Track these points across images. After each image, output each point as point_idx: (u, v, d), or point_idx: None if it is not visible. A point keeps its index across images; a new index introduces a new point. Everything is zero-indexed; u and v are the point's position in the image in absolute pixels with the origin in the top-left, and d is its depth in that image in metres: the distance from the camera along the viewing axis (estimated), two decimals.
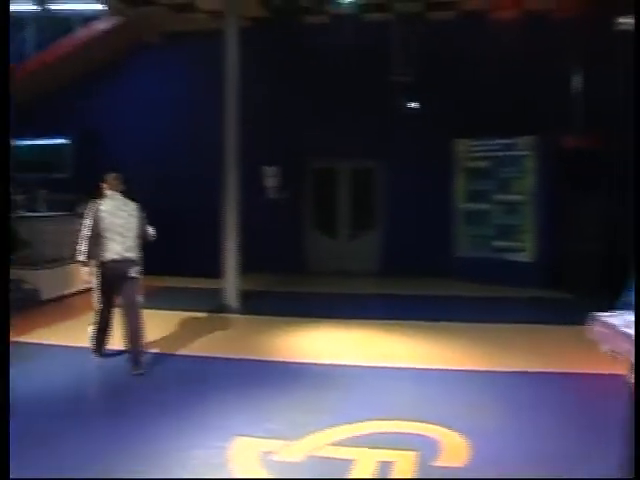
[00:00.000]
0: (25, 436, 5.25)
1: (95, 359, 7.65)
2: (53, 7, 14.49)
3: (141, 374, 7.04)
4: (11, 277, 10.99)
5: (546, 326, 9.07)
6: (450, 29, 13.66)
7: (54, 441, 5.25)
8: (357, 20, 14.01)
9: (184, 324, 9.63)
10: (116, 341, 7.65)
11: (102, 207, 7.27)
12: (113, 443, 5.15)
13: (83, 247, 7.23)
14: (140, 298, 7.49)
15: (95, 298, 7.55)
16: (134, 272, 7.33)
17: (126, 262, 7.24)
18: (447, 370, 7.14)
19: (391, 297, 12.11)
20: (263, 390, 6.42)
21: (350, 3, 12.02)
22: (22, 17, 15.14)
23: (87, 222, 7.25)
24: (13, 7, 14.59)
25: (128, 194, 7.66)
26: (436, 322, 9.42)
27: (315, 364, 7.38)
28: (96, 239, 7.15)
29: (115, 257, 7.18)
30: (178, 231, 14.61)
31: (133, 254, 7.32)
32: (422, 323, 9.38)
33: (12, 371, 7.14)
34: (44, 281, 11.24)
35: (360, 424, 5.39)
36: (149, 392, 6.57)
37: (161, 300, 11.45)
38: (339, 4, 12.03)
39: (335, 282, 13.46)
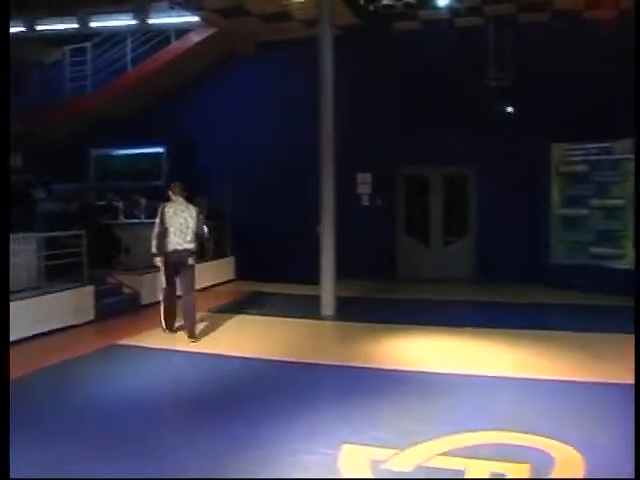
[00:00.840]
0: (137, 436, 5.44)
1: (202, 363, 7.89)
2: (151, 21, 14.94)
3: (194, 342, 8.74)
4: (112, 281, 11.45)
5: None
6: (544, 30, 13.39)
7: (165, 442, 5.39)
8: (449, 25, 13.94)
9: (284, 330, 9.77)
10: None
11: (167, 209, 9.06)
12: (223, 444, 5.25)
13: (154, 241, 8.98)
14: (194, 281, 9.21)
15: (162, 279, 9.25)
16: (191, 260, 9.03)
17: (185, 252, 8.96)
18: (550, 380, 6.95)
19: (485, 304, 11.92)
20: (367, 397, 6.39)
21: (445, 8, 11.89)
22: (121, 32, 15.69)
23: (157, 221, 9.07)
24: (114, 22, 15.33)
25: (189, 199, 9.52)
26: (533, 330, 9.21)
27: (417, 371, 7.30)
28: (163, 234, 8.91)
29: (177, 248, 8.92)
30: (274, 238, 14.88)
31: (191, 246, 9.01)
32: (518, 331, 9.15)
33: (116, 373, 7.54)
34: (144, 286, 11.56)
35: (470, 434, 5.29)
36: (254, 396, 6.67)
37: (260, 306, 11.69)
38: (435, 8, 11.92)
39: (428, 289, 13.34)
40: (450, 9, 12.94)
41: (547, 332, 9.13)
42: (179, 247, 8.91)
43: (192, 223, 9.00)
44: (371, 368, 7.49)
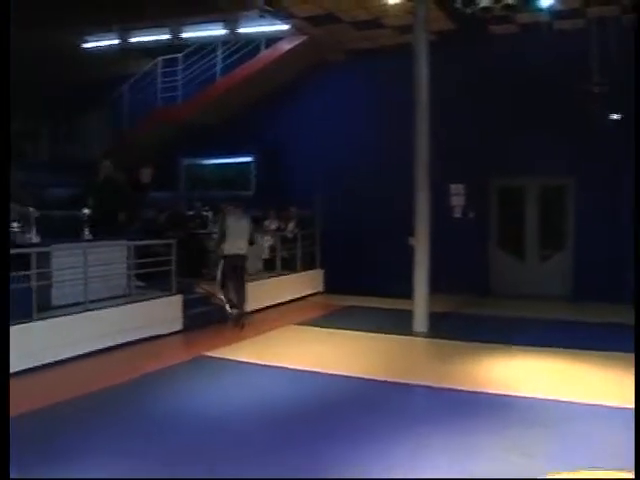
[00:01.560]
0: (224, 453, 5.22)
1: (292, 379, 7.63)
2: (241, 30, 14.90)
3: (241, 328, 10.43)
4: (200, 291, 11.35)
5: None
6: None
7: (257, 458, 5.15)
8: (548, 28, 13.32)
9: (376, 346, 9.42)
10: None
11: (227, 219, 10.73)
12: (317, 462, 5.02)
13: (217, 245, 10.89)
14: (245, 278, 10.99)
15: (219, 275, 10.90)
16: (244, 262, 10.87)
17: (239, 256, 10.74)
18: None
19: (586, 324, 11.13)
20: (465, 423, 5.94)
21: (546, 9, 11.28)
22: (211, 42, 15.73)
23: (218, 229, 10.95)
24: (204, 33, 15.39)
25: (244, 211, 11.24)
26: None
27: (518, 396, 6.78)
28: (222, 239, 10.64)
29: (236, 252, 10.64)
30: (363, 250, 14.57)
31: (244, 251, 10.80)
32: (622, 355, 8.09)
33: (204, 387, 7.36)
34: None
35: (583, 472, 4.77)
36: (348, 416, 6.33)
37: (350, 320, 11.37)
38: (536, 10, 11.32)
39: (523, 305, 12.69)
40: (550, 11, 12.32)
41: None
42: (236, 251, 10.63)
43: (246, 231, 10.79)
44: (469, 391, 7.01)
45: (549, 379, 7.51)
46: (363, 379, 7.56)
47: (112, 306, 9.10)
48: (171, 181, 16.69)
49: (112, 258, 9.59)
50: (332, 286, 14.52)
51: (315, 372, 7.81)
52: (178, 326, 10.13)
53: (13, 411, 5.70)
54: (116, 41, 16.10)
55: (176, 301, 10.18)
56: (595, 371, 7.84)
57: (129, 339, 9.11)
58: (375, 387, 7.33)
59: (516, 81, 13.55)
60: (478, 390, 7.03)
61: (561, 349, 8.83)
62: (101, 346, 8.65)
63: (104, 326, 8.76)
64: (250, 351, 8.93)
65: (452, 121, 13.46)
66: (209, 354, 8.73)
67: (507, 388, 7.07)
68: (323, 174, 14.85)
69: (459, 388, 7.13)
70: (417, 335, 10.13)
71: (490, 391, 6.99)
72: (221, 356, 8.64)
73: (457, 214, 14.54)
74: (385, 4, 12.07)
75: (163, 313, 9.88)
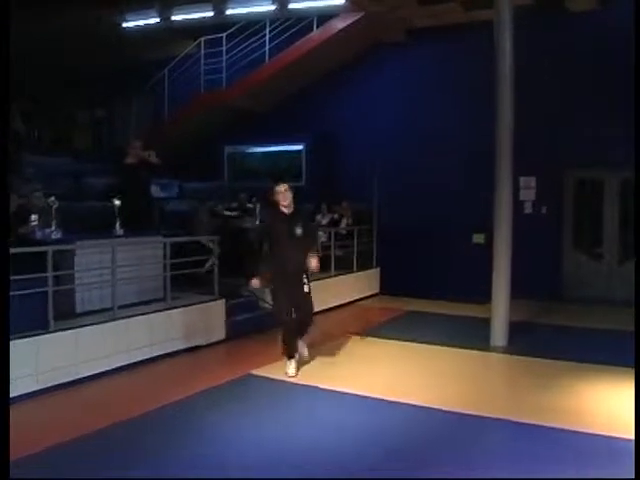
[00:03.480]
0: None
1: (353, 407, 6.37)
2: (291, 6, 13.64)
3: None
4: (247, 294, 10.14)
5: None
6: None
7: None
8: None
9: (449, 364, 8.12)
10: None
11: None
12: None
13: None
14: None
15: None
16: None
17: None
18: None
19: None
20: (572, 472, 4.66)
21: None
22: (259, 19, 14.50)
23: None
24: (251, 9, 14.13)
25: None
26: None
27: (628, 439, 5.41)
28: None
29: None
30: (425, 248, 13.35)
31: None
32: None
33: (253, 417, 6.12)
34: None
35: None
36: (418, 458, 5.09)
37: (414, 329, 10.12)
38: None
39: (605, 313, 11.31)
40: None
41: None
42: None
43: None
44: (571, 431, 5.59)
45: None
46: (436, 410, 6.24)
47: (144, 313, 7.94)
48: (215, 170, 15.59)
49: (146, 256, 8.45)
50: (390, 287, 13.27)
51: (390, 402, 6.47)
52: (221, 335, 8.97)
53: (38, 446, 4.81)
54: (157, 19, 14.98)
55: (219, 306, 8.99)
56: None
57: (163, 352, 8.00)
58: (451, 421, 6.00)
59: (598, 63, 12.14)
60: (582, 430, 5.60)
61: None
62: (129, 361, 7.51)
63: (132, 337, 7.61)
64: (307, 371, 7.67)
65: (526, 107, 11.97)
66: (257, 372, 7.51)
67: (615, 428, 5.62)
68: (380, 165, 13.54)
69: (557, 427, 5.67)
70: (496, 350, 8.78)
71: (596, 432, 5.56)
72: (272, 376, 7.38)
73: (527, 210, 13.13)
74: None
75: (204, 320, 8.70)
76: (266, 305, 9.70)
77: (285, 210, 7.49)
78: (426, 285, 12.63)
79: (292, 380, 7.26)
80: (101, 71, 16.15)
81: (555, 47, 12.53)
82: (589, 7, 12.33)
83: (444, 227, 13.27)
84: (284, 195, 7.46)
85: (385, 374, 7.63)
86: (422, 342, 9.10)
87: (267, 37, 14.60)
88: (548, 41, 12.54)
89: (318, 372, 7.61)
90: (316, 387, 7.00)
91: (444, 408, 6.26)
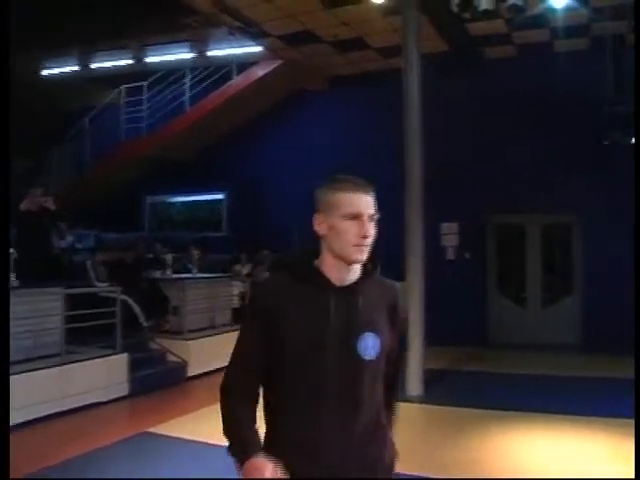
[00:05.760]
0: None
1: None
2: (210, 53, 13.51)
3: None
4: (156, 348, 9.70)
5: None
6: None
7: None
8: (548, 48, 12.01)
9: None
10: None
11: None
12: None
13: None
14: None
15: None
16: None
17: None
18: None
19: (607, 381, 9.45)
20: None
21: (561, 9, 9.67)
22: (179, 67, 14.32)
23: None
24: (170, 56, 13.94)
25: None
26: None
27: None
28: None
29: None
30: None
31: None
32: None
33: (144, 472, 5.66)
34: (193, 353, 9.76)
35: None
36: None
37: None
38: (550, 10, 9.73)
39: (529, 359, 11.08)
40: (553, 29, 11.02)
41: None
42: None
43: None
44: None
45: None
46: None
47: (39, 368, 7.43)
48: (135, 221, 15.16)
49: (45, 309, 7.96)
50: None
51: None
52: (123, 391, 8.42)
53: None
54: (76, 67, 14.67)
55: (121, 361, 8.47)
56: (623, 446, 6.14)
57: (59, 409, 7.45)
58: None
59: (516, 109, 12.23)
60: None
61: (581, 416, 7.23)
62: (22, 419, 6.96)
63: (27, 395, 7.08)
64: (211, 427, 7.21)
65: (445, 153, 11.96)
66: (155, 430, 7.02)
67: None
68: (305, 213, 13.26)
69: None
70: (411, 400, 8.43)
71: None
72: (172, 434, 6.89)
73: (450, 256, 13.02)
74: (369, 18, 10.71)
75: (105, 376, 8.18)
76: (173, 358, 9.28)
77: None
78: None
79: (186, 435, 6.78)
80: (19, 121, 15.66)
81: (473, 94, 12.56)
82: (505, 54, 12.48)
83: None
84: None
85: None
86: None
87: (187, 85, 14.40)
88: (462, 87, 12.56)
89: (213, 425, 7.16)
90: (215, 444, 6.55)
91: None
